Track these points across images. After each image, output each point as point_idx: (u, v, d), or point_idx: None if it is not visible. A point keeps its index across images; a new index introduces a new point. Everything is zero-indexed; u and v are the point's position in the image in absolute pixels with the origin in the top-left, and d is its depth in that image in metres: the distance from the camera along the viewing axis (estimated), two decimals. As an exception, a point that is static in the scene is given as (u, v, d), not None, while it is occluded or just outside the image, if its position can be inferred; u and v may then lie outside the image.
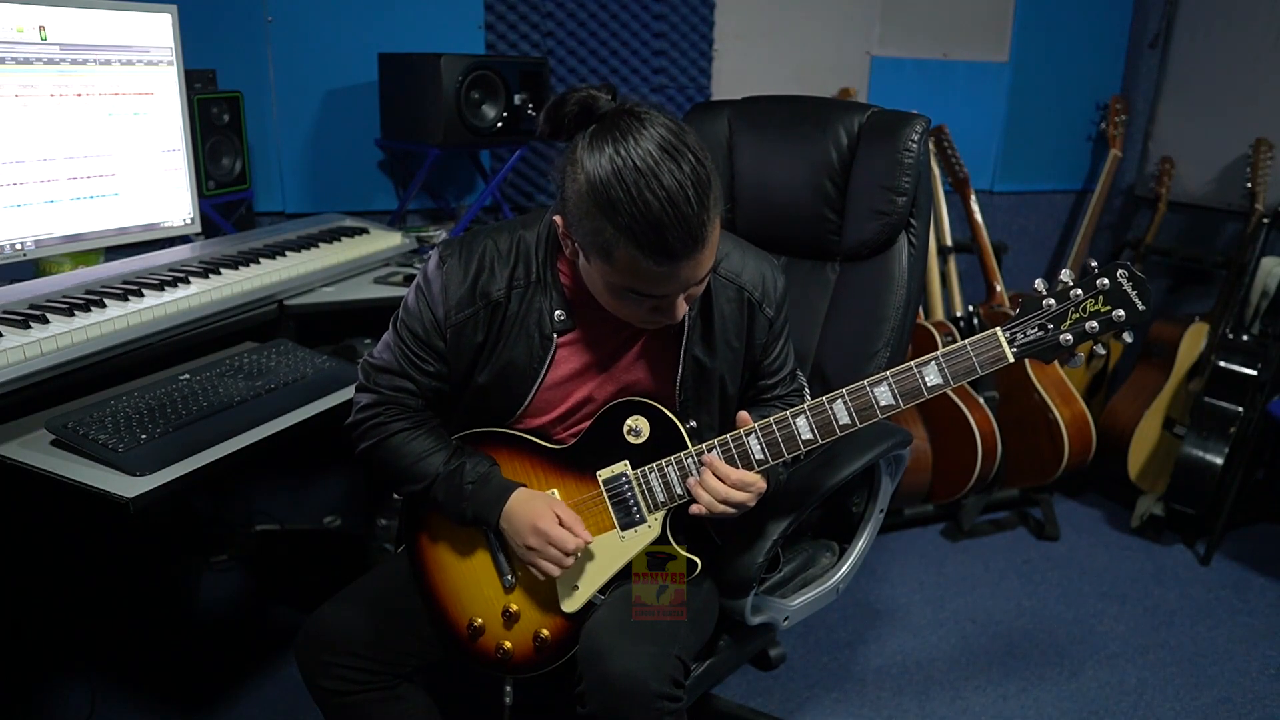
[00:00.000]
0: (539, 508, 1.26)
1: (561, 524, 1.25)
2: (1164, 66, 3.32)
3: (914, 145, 1.57)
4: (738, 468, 1.23)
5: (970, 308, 2.95)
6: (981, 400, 2.78)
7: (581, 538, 1.26)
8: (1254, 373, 2.68)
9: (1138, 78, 3.35)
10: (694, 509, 1.24)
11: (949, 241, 3.04)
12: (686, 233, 1.06)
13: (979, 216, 3.04)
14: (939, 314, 2.95)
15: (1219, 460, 2.67)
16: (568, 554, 1.25)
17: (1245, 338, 2.75)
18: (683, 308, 1.18)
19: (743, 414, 1.25)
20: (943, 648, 2.28)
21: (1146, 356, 3.00)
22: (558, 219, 1.17)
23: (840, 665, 2.19)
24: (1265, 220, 2.81)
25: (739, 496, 1.22)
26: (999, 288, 3.02)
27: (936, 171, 3.04)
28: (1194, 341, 2.85)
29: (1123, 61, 3.39)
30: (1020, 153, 3.34)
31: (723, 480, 1.22)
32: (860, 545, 1.60)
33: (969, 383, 2.79)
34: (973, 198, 3.04)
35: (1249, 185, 2.88)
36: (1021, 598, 2.51)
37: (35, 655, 2.02)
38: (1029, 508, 2.95)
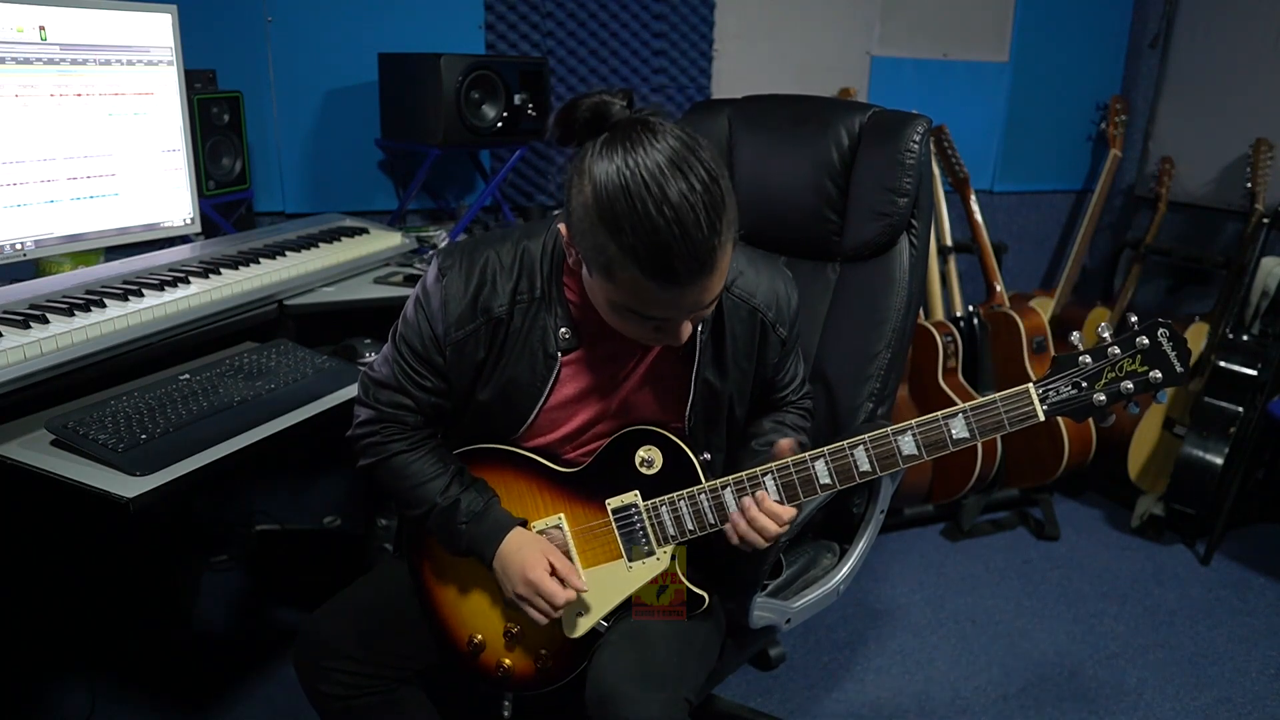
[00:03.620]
0: (531, 557, 1.23)
1: (555, 572, 1.23)
2: (1164, 66, 3.32)
3: (915, 146, 1.57)
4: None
5: (970, 308, 2.95)
6: (981, 400, 2.77)
7: (574, 588, 1.23)
8: (1254, 373, 2.68)
9: (1138, 78, 3.35)
10: (730, 536, 1.22)
11: (949, 241, 3.04)
12: (693, 257, 1.00)
13: (979, 216, 3.04)
14: (939, 314, 2.95)
15: (1219, 460, 2.67)
16: (556, 608, 1.22)
17: (1245, 338, 2.75)
18: (687, 330, 1.13)
19: (784, 442, 1.22)
20: (943, 648, 2.28)
21: (1146, 356, 3.00)
22: (563, 227, 1.12)
23: (840, 665, 2.19)
24: (1265, 220, 2.81)
25: (779, 533, 1.21)
26: (999, 288, 3.02)
27: (936, 171, 3.03)
28: (1194, 341, 2.85)
29: (1123, 61, 3.39)
30: (1020, 153, 3.34)
31: (773, 519, 1.19)
32: (861, 546, 1.59)
33: (969, 383, 2.80)
34: (973, 198, 3.04)
35: (1249, 185, 2.88)
36: (1021, 598, 2.51)
37: (35, 655, 2.02)
38: (1029, 508, 2.95)
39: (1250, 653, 2.28)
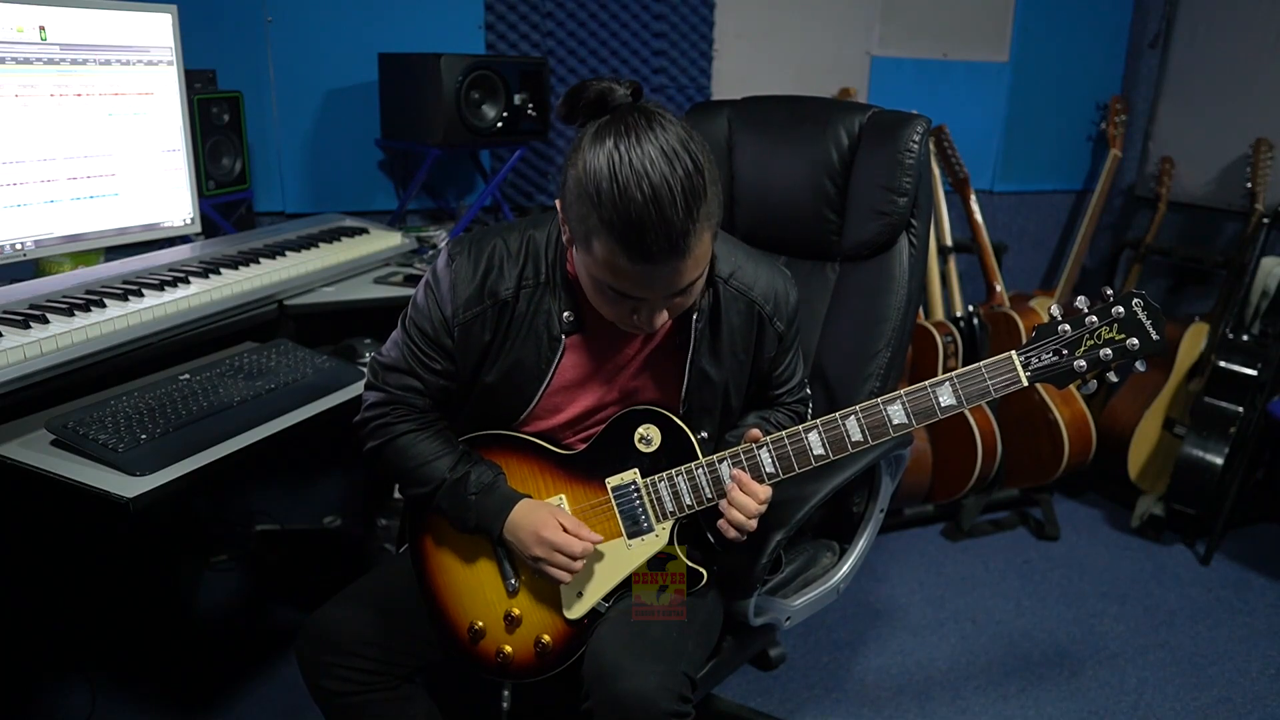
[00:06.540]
0: (542, 517, 1.26)
1: (566, 530, 1.25)
2: (1164, 66, 3.32)
3: (914, 146, 1.57)
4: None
5: (970, 308, 2.95)
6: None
7: (588, 540, 1.25)
8: (1254, 373, 2.68)
9: (1138, 78, 3.35)
10: (721, 524, 1.25)
11: (949, 241, 3.04)
12: (666, 237, 1.04)
13: (979, 216, 3.04)
14: (939, 314, 2.95)
15: (1219, 460, 2.67)
16: (575, 558, 1.24)
17: (1245, 338, 2.75)
18: (662, 318, 1.16)
19: (753, 431, 1.25)
20: (943, 648, 2.28)
21: (1146, 356, 3.00)
22: (558, 203, 1.17)
23: (840, 665, 2.19)
24: (1265, 220, 2.81)
25: (759, 511, 1.24)
26: (999, 288, 3.02)
27: (936, 171, 3.04)
28: (1194, 341, 2.85)
29: (1123, 61, 3.39)
30: (1020, 153, 3.34)
31: (752, 497, 1.23)
32: (861, 545, 1.60)
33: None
34: (973, 198, 3.04)
35: (1249, 185, 2.88)
36: (1021, 598, 2.51)
37: (35, 655, 2.02)
38: (1029, 508, 2.95)
39: (1250, 653, 2.28)
